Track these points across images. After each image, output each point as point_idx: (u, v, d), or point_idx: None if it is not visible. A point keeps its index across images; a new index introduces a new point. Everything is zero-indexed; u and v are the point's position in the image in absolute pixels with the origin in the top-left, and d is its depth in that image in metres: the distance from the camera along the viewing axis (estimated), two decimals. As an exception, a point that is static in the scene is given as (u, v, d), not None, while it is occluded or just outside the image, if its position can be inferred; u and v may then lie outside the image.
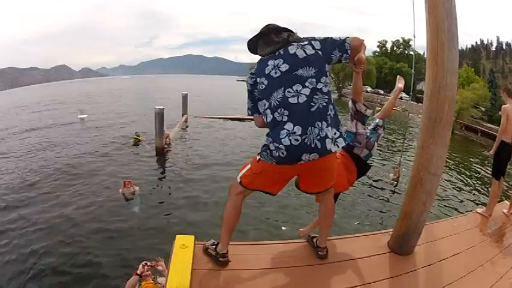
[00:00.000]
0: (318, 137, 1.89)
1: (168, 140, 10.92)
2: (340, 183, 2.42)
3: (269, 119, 1.95)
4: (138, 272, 3.60)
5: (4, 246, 5.17)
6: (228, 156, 9.88)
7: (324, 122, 1.91)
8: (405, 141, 11.86)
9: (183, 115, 16.13)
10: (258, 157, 2.03)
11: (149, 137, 11.63)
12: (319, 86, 1.93)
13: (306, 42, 1.97)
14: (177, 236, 2.39)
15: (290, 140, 1.86)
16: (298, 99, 1.91)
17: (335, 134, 1.94)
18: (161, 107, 10.16)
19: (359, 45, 1.99)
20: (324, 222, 2.32)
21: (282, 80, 1.94)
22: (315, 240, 2.37)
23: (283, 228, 5.82)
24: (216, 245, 2.23)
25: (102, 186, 7.50)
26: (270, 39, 2.05)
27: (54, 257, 4.87)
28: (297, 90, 1.91)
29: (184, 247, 2.24)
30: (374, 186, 8.57)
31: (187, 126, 14.85)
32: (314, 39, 2.01)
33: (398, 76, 3.09)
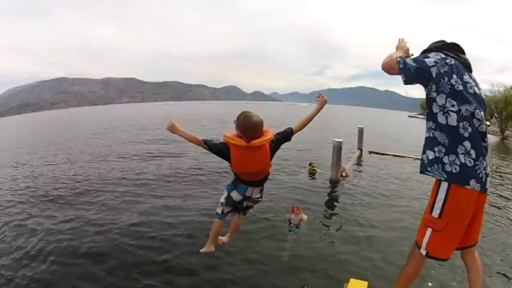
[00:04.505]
0: (485, 172, 1.92)
1: (344, 173, 10.77)
2: None
3: (450, 123, 1.92)
4: None
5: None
6: (405, 200, 9.02)
7: (487, 161, 1.96)
8: None
9: (358, 149, 15.86)
10: (437, 212, 1.97)
11: (322, 166, 11.73)
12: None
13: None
14: (351, 279, 2.51)
15: (465, 159, 1.88)
16: (478, 127, 1.93)
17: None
18: (340, 140, 10.16)
19: None
20: (477, 283, 2.18)
21: (475, 100, 1.95)
22: None
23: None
24: None
25: (268, 209, 7.61)
26: (461, 55, 2.07)
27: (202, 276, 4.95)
28: (482, 117, 1.95)
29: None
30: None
31: (361, 161, 14.54)
32: None
33: None
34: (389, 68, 2.04)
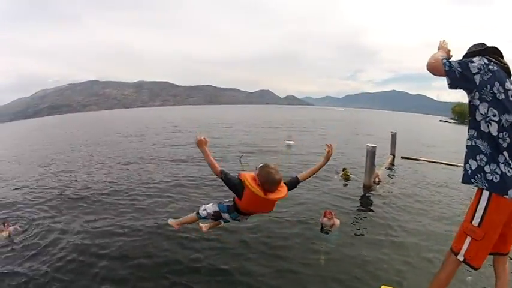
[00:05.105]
0: None
1: (377, 179, 10.58)
2: None
3: (492, 132, 1.90)
4: None
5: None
6: (438, 206, 8.66)
7: None
8: None
9: (391, 154, 15.43)
10: (477, 221, 1.97)
11: (355, 172, 11.58)
12: None
13: None
14: (382, 286, 2.57)
15: (505, 168, 1.87)
16: None
17: None
18: (373, 145, 10.04)
19: None
20: None
21: None
22: None
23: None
24: None
25: (301, 213, 7.67)
26: (499, 58, 2.01)
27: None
28: None
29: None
30: None
31: (394, 166, 14.21)
32: None
33: None
34: (434, 68, 2.00)
